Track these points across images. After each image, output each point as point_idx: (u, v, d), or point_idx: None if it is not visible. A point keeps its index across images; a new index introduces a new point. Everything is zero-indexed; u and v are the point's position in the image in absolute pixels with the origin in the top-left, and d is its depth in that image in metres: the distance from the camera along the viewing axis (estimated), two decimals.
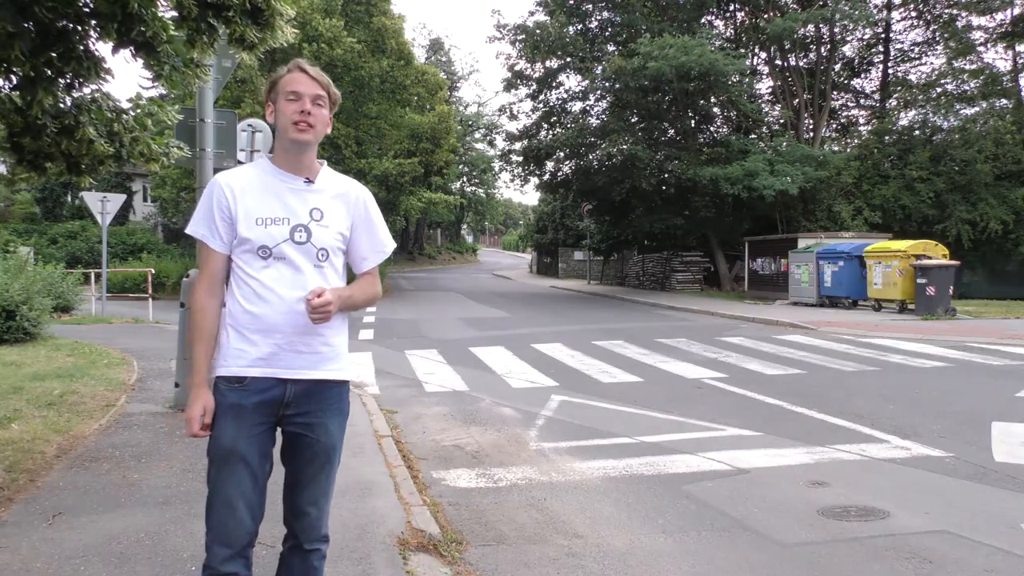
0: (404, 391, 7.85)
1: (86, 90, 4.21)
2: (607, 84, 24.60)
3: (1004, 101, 24.56)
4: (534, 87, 27.89)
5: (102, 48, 3.81)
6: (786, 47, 25.48)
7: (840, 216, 23.27)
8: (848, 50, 28.63)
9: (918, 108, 26.62)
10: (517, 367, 9.34)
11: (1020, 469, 4.90)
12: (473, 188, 66.13)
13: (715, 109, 26.91)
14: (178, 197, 28.49)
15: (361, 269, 2.30)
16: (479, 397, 7.48)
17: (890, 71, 28.36)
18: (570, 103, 28.47)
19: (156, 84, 4.38)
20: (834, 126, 30.10)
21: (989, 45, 25.31)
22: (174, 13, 3.62)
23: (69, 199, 32.39)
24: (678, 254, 27.54)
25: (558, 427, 6.20)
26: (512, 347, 11.17)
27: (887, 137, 26.03)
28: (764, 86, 29.11)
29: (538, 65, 26.92)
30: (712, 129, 27.76)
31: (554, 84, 27.85)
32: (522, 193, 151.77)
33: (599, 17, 26.89)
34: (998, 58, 33.44)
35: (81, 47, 3.71)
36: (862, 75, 30.02)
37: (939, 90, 26.02)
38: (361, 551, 3.35)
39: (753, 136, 26.01)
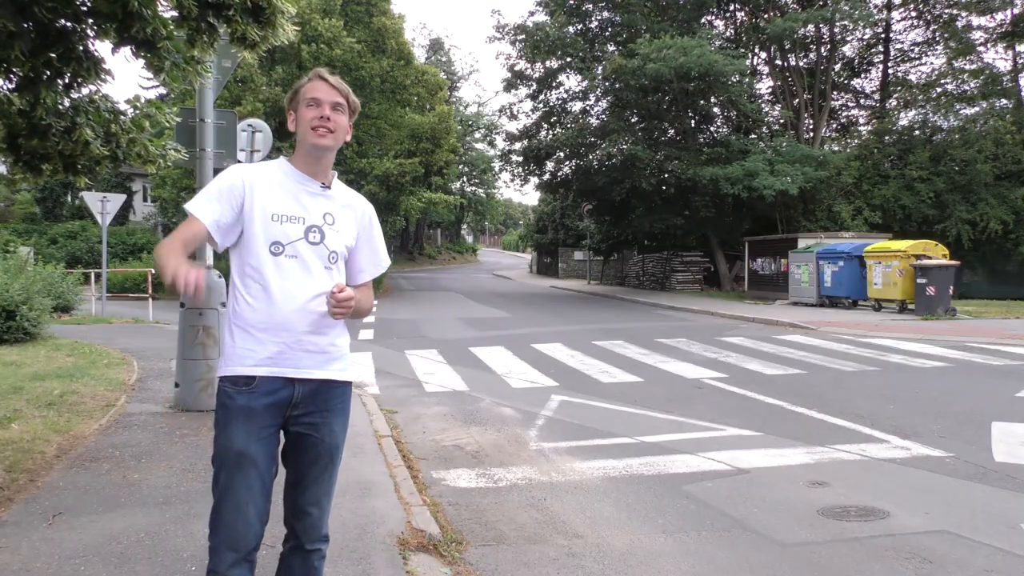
0: (404, 391, 7.85)
1: (84, 91, 4.21)
2: (607, 84, 24.60)
3: (1004, 101, 24.56)
4: (534, 87, 27.89)
5: (101, 48, 3.82)
6: (786, 47, 25.48)
7: (840, 216, 23.27)
8: (848, 50, 28.66)
9: (918, 108, 26.63)
10: (517, 367, 9.34)
11: (1020, 469, 4.89)
12: (473, 188, 66.14)
13: (715, 109, 26.92)
14: (178, 197, 28.42)
15: (356, 281, 2.32)
16: (479, 397, 7.48)
17: (890, 71, 28.37)
18: (570, 103, 28.50)
19: (156, 83, 4.36)
20: (834, 126, 30.11)
21: (989, 45, 25.34)
22: (175, 13, 3.62)
23: (69, 199, 32.39)
24: (678, 254, 27.54)
25: (558, 427, 6.19)
26: (512, 347, 11.17)
27: (887, 137, 26.04)
28: (764, 86, 29.15)
29: (538, 65, 26.92)
30: (712, 129, 27.76)
31: (554, 84, 27.85)
32: (522, 193, 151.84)
33: (599, 17, 26.90)
34: (998, 58, 33.48)
35: (80, 47, 3.71)
36: (862, 75, 30.04)
37: (939, 90, 26.03)
38: (361, 551, 3.35)
39: (753, 136, 26.01)
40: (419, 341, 12.14)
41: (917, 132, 25.37)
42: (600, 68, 25.22)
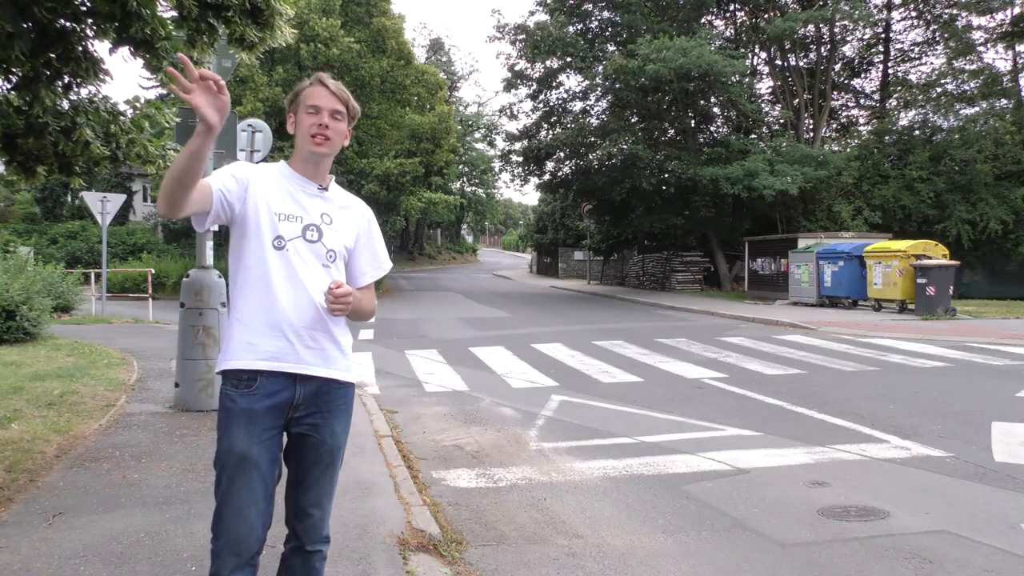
0: (404, 391, 7.85)
1: (84, 91, 4.22)
2: (607, 84, 24.60)
3: (1004, 101, 24.55)
4: (534, 87, 27.89)
5: (100, 48, 3.81)
6: (786, 47, 25.49)
7: (840, 216, 23.27)
8: (848, 50, 28.67)
9: (918, 108, 26.63)
10: (517, 367, 9.34)
11: (1020, 469, 4.89)
12: (473, 188, 66.13)
13: (715, 109, 26.92)
14: None
15: (358, 284, 2.33)
16: (479, 397, 7.48)
17: (890, 71, 28.37)
18: (570, 103, 28.48)
19: (156, 84, 4.35)
20: (834, 126, 30.11)
21: (989, 45, 25.33)
22: (174, 13, 3.62)
23: (69, 199, 32.39)
24: (678, 254, 27.53)
25: (558, 427, 6.19)
26: (512, 347, 11.17)
27: (887, 137, 26.03)
28: (764, 86, 29.16)
29: (538, 65, 26.91)
30: (712, 129, 27.77)
31: (554, 84, 27.84)
32: (522, 193, 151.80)
33: (599, 17, 26.89)
34: (998, 58, 33.46)
35: (80, 47, 3.71)
36: (862, 75, 30.04)
37: (939, 90, 26.02)
38: (361, 551, 3.35)
39: (753, 136, 26.02)
40: (419, 341, 12.14)
41: (917, 132, 25.37)
42: (600, 68, 25.22)
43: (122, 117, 4.51)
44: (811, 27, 24.35)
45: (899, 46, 28.30)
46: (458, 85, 59.44)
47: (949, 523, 3.96)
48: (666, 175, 25.67)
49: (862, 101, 30.48)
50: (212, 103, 1.89)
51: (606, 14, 26.55)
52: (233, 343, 2.14)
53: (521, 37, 26.25)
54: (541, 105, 28.55)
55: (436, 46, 58.74)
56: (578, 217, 37.07)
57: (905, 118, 27.20)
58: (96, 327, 12.95)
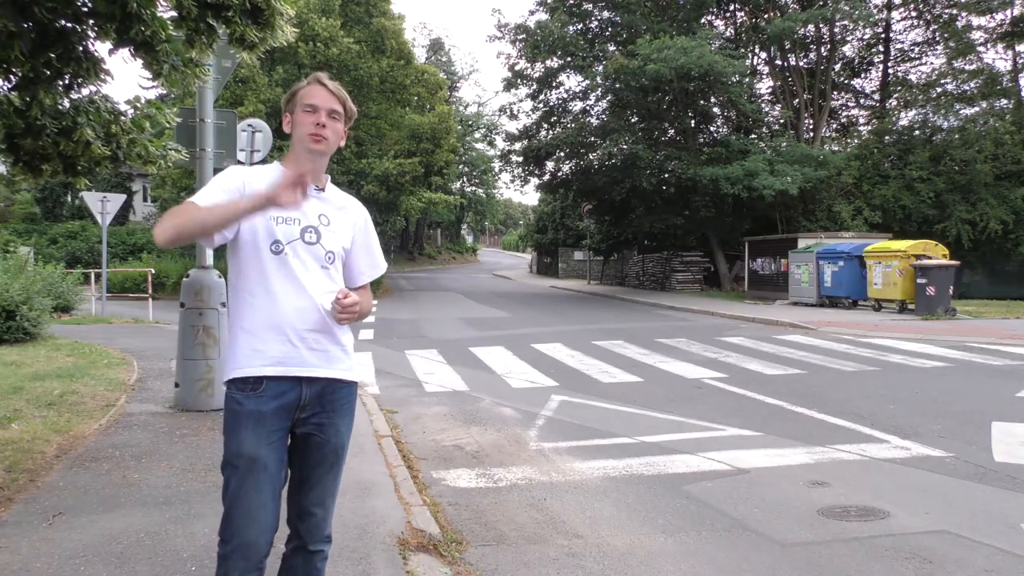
0: (404, 391, 7.85)
1: (84, 91, 4.21)
2: (607, 83, 24.60)
3: (1004, 101, 24.56)
4: (534, 87, 27.88)
5: (101, 48, 3.81)
6: (786, 47, 25.49)
7: (840, 216, 23.27)
8: (848, 50, 28.67)
9: (918, 108, 26.62)
10: (517, 367, 9.34)
11: (1020, 469, 4.89)
12: (473, 188, 66.13)
13: (715, 109, 26.92)
14: (178, 197, 28.44)
15: (356, 284, 2.34)
16: (479, 397, 7.48)
17: (890, 71, 28.37)
18: (570, 103, 28.49)
19: (155, 84, 4.36)
20: (834, 126, 30.12)
21: (989, 45, 25.32)
22: (174, 13, 3.62)
23: (69, 199, 32.40)
24: (678, 254, 27.53)
25: (558, 427, 6.19)
26: (512, 347, 11.17)
27: (887, 137, 26.04)
28: (764, 86, 29.15)
29: (538, 65, 26.92)
30: (712, 129, 27.77)
31: (554, 84, 27.84)
32: (522, 193, 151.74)
33: (599, 17, 26.89)
34: (998, 58, 33.50)
35: (80, 47, 3.71)
36: (862, 75, 30.04)
37: (939, 90, 26.02)
38: (361, 551, 3.35)
39: (753, 136, 26.02)
40: (419, 341, 12.14)
41: (917, 132, 25.36)
42: (600, 68, 25.23)
43: (123, 117, 4.51)
44: (811, 27, 24.35)
45: (899, 46, 28.33)
46: (458, 85, 59.47)
47: (949, 523, 3.96)
48: (666, 175, 25.67)
49: (862, 101, 30.50)
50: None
51: (606, 14, 26.56)
52: (238, 350, 2.13)
53: (521, 37, 26.25)
54: (541, 105, 28.56)
55: (436, 46, 58.74)
56: (578, 217, 37.07)
57: (905, 118, 27.23)
58: (96, 327, 12.95)
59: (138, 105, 4.71)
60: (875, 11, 24.61)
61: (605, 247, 34.80)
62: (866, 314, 16.10)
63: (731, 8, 27.84)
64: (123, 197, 16.48)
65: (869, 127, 29.06)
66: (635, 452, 5.38)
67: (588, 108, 28.27)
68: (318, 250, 2.18)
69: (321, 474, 2.22)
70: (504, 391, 7.79)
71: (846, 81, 29.09)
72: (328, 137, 2.19)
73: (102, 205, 14.84)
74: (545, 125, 28.63)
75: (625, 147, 25.00)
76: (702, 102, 25.31)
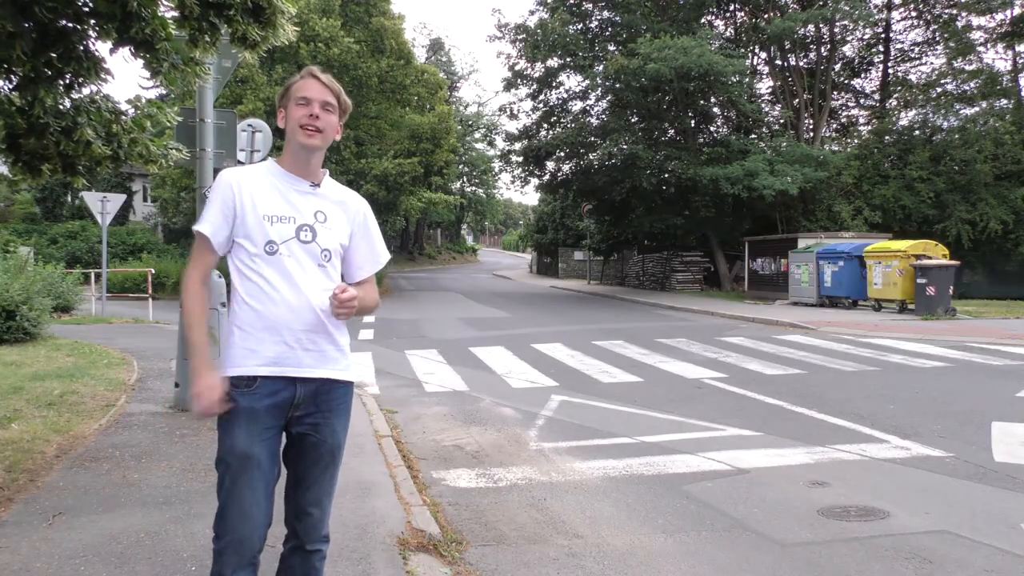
0: (404, 391, 7.85)
1: (85, 91, 4.21)
2: (607, 83, 24.60)
3: (1004, 101, 24.55)
4: (534, 87, 27.88)
5: (101, 48, 3.81)
6: (786, 47, 25.48)
7: (840, 216, 23.27)
8: (848, 50, 28.66)
9: (918, 108, 26.62)
10: (517, 367, 9.34)
11: (1020, 469, 4.89)
12: (473, 188, 66.14)
13: (715, 109, 26.92)
14: (178, 197, 28.49)
15: (356, 279, 2.32)
16: (479, 397, 7.48)
17: (890, 71, 28.36)
18: (570, 103, 28.49)
19: (156, 84, 4.35)
20: (834, 126, 30.11)
21: (989, 45, 25.32)
22: (176, 13, 3.62)
23: (69, 199, 32.39)
24: (678, 254, 27.53)
25: (558, 427, 6.19)
26: (512, 347, 11.17)
27: (887, 137, 26.03)
28: (764, 86, 29.14)
29: (538, 65, 26.92)
30: (712, 129, 27.76)
31: (554, 84, 27.84)
32: (522, 194, 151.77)
33: (599, 17, 26.90)
34: (998, 58, 33.46)
35: (81, 47, 3.71)
36: (862, 75, 30.03)
37: (939, 90, 26.02)
38: (361, 551, 3.35)
39: (753, 136, 26.01)
40: (419, 341, 12.14)
41: (917, 132, 25.36)
42: (600, 68, 25.23)
43: (123, 116, 4.51)
44: (811, 27, 24.34)
45: (899, 46, 28.32)
46: (458, 85, 59.46)
47: (949, 523, 3.96)
48: (666, 175, 25.67)
49: (862, 101, 30.49)
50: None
51: (606, 14, 26.56)
52: (234, 349, 2.14)
53: (521, 37, 26.24)
54: (541, 105, 28.56)
55: (436, 46, 58.73)
56: (578, 217, 37.07)
57: (905, 118, 27.23)
58: (96, 327, 12.95)
59: (139, 105, 4.71)
60: (875, 11, 24.61)
61: (605, 247, 34.80)
62: (866, 314, 16.10)
63: (731, 8, 27.84)
64: (123, 197, 16.48)
65: (869, 127, 29.06)
66: (635, 452, 5.38)
67: (588, 108, 28.28)
68: (314, 248, 2.16)
69: (317, 474, 2.22)
70: (504, 391, 7.79)
71: (846, 81, 29.09)
72: (322, 129, 2.18)
73: (102, 205, 14.84)
74: (545, 125, 28.63)
75: (625, 147, 24.99)
76: (702, 102, 25.30)
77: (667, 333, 13.14)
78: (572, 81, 40.12)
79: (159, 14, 3.60)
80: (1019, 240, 22.65)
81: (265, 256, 2.13)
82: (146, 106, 4.73)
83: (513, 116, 30.03)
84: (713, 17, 27.44)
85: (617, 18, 25.88)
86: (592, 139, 26.40)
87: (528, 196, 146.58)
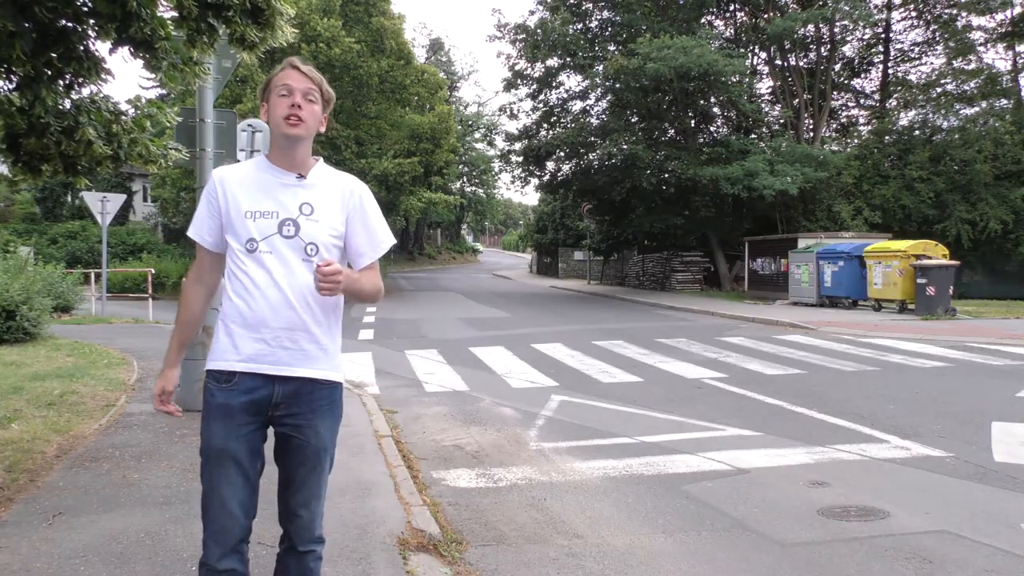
0: (404, 391, 7.85)
1: (85, 91, 4.22)
2: (607, 83, 24.61)
3: (1004, 101, 24.54)
4: (534, 87, 27.88)
5: (101, 48, 3.81)
6: (786, 47, 25.48)
7: (840, 216, 23.27)
8: (848, 50, 28.64)
9: (918, 108, 26.62)
10: (517, 367, 9.34)
11: (1020, 469, 4.89)
12: (473, 188, 66.14)
13: (715, 109, 26.91)
14: (178, 197, 28.51)
15: (359, 266, 2.26)
16: (479, 397, 7.48)
17: (890, 71, 28.36)
18: (570, 103, 28.48)
19: (156, 83, 4.35)
20: (834, 126, 30.10)
21: (989, 45, 25.31)
22: (174, 13, 3.62)
23: (69, 199, 32.40)
24: (678, 254, 27.53)
25: (558, 427, 6.19)
26: (512, 347, 11.17)
27: (887, 137, 26.02)
28: (764, 86, 29.13)
29: (538, 65, 26.92)
30: (712, 129, 27.76)
31: (554, 84, 27.85)
32: (523, 194, 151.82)
33: (599, 16, 26.90)
34: (998, 58, 33.53)
35: (81, 47, 3.71)
36: (862, 75, 30.02)
37: (939, 90, 26.01)
38: (361, 551, 3.35)
39: (753, 136, 26.00)
40: (419, 341, 12.14)
41: (917, 132, 25.36)
42: (600, 68, 25.23)
43: (124, 116, 4.51)
44: (811, 27, 24.34)
45: (899, 46, 28.31)
46: (458, 85, 59.48)
47: (949, 523, 3.96)
48: (666, 175, 25.67)
49: (862, 101, 30.48)
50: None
51: (606, 14, 26.56)
52: (218, 344, 2.17)
53: (521, 37, 26.25)
54: (541, 105, 28.55)
55: (436, 46, 58.75)
56: (578, 217, 37.06)
57: (905, 118, 27.22)
58: (96, 327, 12.95)
59: (139, 105, 4.71)
60: (875, 11, 24.61)
61: (605, 247, 34.79)
62: (866, 314, 16.10)
63: (731, 8, 27.83)
64: (123, 197, 16.48)
65: (869, 127, 29.05)
66: (635, 452, 5.37)
67: (588, 108, 28.26)
68: (298, 243, 2.13)
69: (304, 475, 2.20)
70: (504, 391, 7.79)
71: (846, 81, 29.08)
72: (305, 119, 2.13)
73: (102, 205, 14.84)
74: (545, 125, 28.63)
75: (625, 147, 24.99)
76: (702, 102, 25.30)
77: (667, 333, 13.14)
78: (572, 81, 40.15)
79: (158, 14, 3.60)
80: (1019, 240, 22.64)
81: (246, 253, 2.13)
82: (146, 106, 4.73)
83: (513, 116, 30.05)
84: (713, 17, 27.43)
85: (617, 18, 25.88)
86: (592, 139, 26.39)
87: (528, 196, 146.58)
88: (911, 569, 3.41)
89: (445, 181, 44.72)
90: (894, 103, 28.03)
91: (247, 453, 2.13)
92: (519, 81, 27.72)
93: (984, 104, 24.42)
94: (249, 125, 8.57)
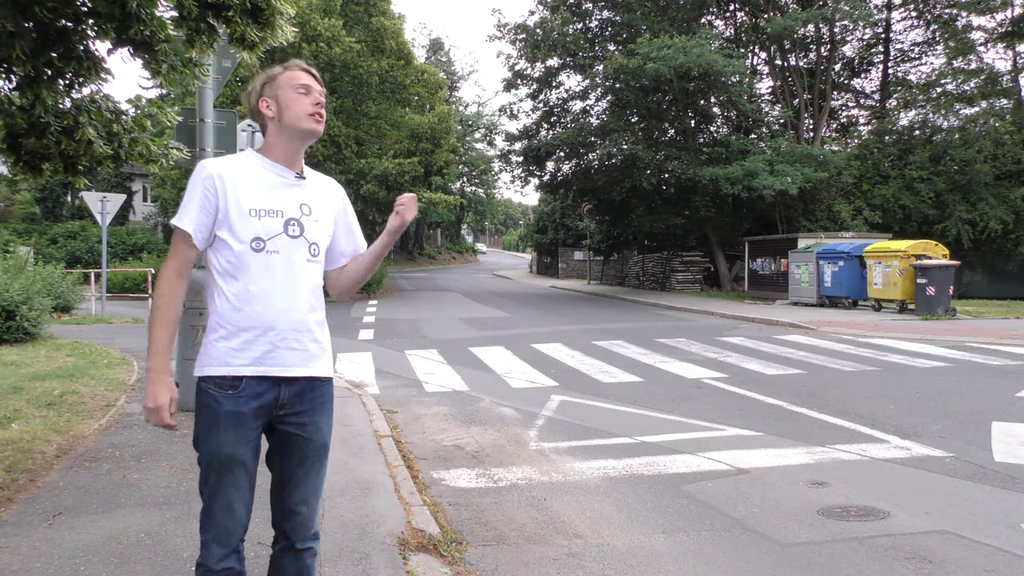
0: (404, 391, 7.85)
1: (85, 91, 4.22)
2: (607, 83, 24.60)
3: (1004, 101, 24.54)
4: (534, 87, 27.88)
5: (101, 48, 3.81)
6: (786, 47, 25.47)
7: (840, 216, 23.27)
8: (848, 50, 28.64)
9: (918, 108, 26.60)
10: (517, 367, 9.34)
11: (1020, 469, 4.89)
12: (473, 188, 66.15)
13: (715, 109, 26.90)
14: (178, 197, 28.41)
15: (338, 265, 2.32)
16: (479, 397, 7.48)
17: (890, 71, 28.36)
18: (570, 102, 28.48)
19: (155, 84, 4.35)
20: (834, 126, 30.08)
21: (989, 45, 25.32)
22: (174, 13, 3.62)
23: (69, 199, 32.42)
24: (678, 254, 27.53)
25: (558, 427, 6.19)
26: (512, 347, 11.17)
27: (887, 137, 26.02)
28: (764, 86, 29.13)
29: (538, 65, 26.92)
30: (712, 129, 27.75)
31: (554, 84, 27.84)
32: (523, 194, 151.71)
33: (599, 16, 26.90)
34: (998, 58, 33.55)
35: (81, 47, 3.71)
36: (862, 75, 30.03)
37: (939, 90, 26.00)
38: (361, 551, 3.35)
39: (753, 136, 26.00)
40: (419, 341, 12.14)
41: (917, 132, 25.35)
42: (600, 68, 25.23)
43: (124, 116, 4.51)
44: (811, 27, 24.34)
45: (899, 46, 28.32)
46: (458, 85, 59.48)
47: (949, 523, 3.96)
48: (666, 175, 25.66)
49: (862, 101, 30.47)
50: None
51: (606, 13, 26.56)
52: (217, 349, 2.09)
53: (521, 37, 26.24)
54: (541, 105, 28.55)
55: (436, 46, 58.77)
56: (578, 217, 37.06)
57: (905, 118, 27.21)
58: (96, 327, 12.95)
59: (139, 104, 4.71)
60: (875, 11, 24.62)
61: (605, 247, 34.79)
62: (866, 314, 16.10)
63: (731, 8, 27.84)
64: (123, 197, 16.49)
65: (869, 127, 29.05)
66: (635, 452, 5.37)
67: (588, 108, 28.26)
68: (302, 243, 2.12)
69: (303, 473, 2.20)
70: (504, 391, 7.79)
71: (846, 81, 29.08)
72: (324, 118, 2.20)
73: (102, 205, 14.85)
74: (545, 125, 28.62)
75: (625, 147, 24.98)
76: (702, 102, 25.29)
77: (667, 333, 13.14)
78: (572, 81, 40.21)
79: (157, 15, 3.60)
80: (1019, 240, 22.64)
81: (252, 253, 2.06)
82: (146, 106, 4.73)
83: (513, 116, 30.04)
84: (713, 17, 27.43)
85: (617, 18, 25.88)
86: (592, 139, 26.38)
87: (528, 196, 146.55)
88: (911, 569, 3.41)
89: (445, 181, 44.74)
90: (894, 103, 28.03)
91: (252, 456, 2.13)
92: (519, 81, 27.71)
93: (984, 104, 24.41)
94: (249, 125, 8.57)
